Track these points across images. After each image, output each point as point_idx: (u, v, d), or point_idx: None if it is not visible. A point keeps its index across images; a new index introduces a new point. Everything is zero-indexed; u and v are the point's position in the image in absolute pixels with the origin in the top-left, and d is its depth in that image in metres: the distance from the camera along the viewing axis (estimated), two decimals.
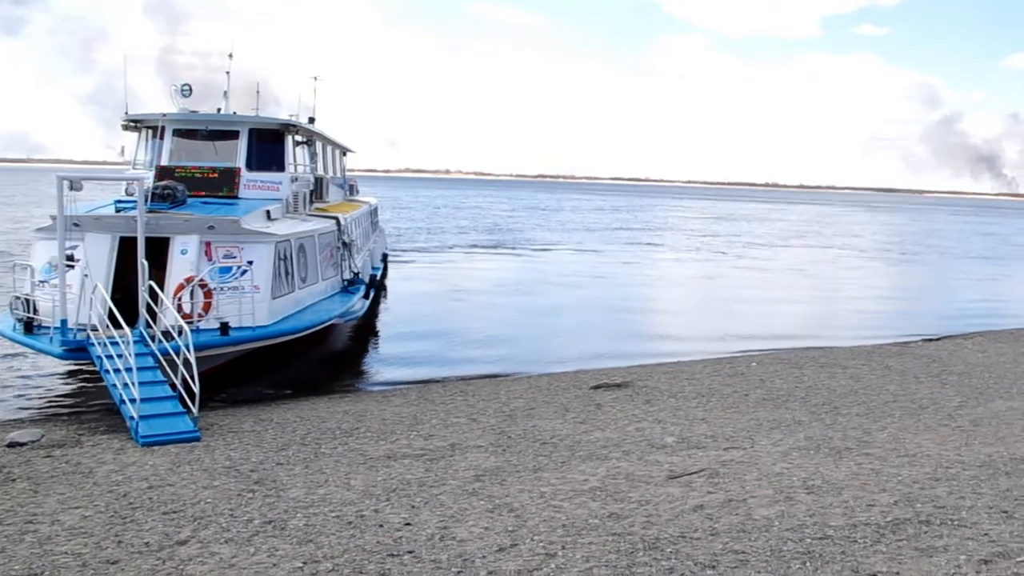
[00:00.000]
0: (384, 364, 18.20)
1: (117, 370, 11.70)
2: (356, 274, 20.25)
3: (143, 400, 11.15)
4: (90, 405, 13.60)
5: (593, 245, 52.87)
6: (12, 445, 10.50)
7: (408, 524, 7.49)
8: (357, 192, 31.20)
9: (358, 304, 18.93)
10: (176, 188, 15.52)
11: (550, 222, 76.59)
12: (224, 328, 13.70)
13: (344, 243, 19.91)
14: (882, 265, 48.35)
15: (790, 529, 7.05)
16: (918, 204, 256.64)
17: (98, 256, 14.29)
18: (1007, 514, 7.10)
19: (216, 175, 17.06)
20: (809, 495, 8.05)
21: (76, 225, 13.55)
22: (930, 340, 21.75)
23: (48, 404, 13.90)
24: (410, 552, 6.78)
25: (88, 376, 15.03)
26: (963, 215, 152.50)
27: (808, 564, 6.25)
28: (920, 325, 25.13)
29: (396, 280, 31.89)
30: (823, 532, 6.92)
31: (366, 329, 21.70)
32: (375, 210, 33.33)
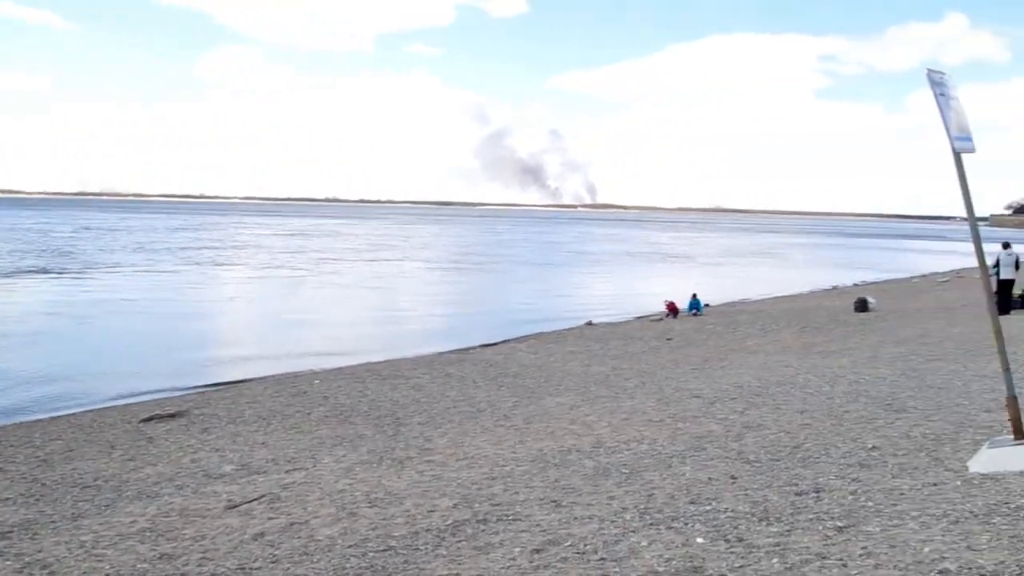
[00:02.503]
0: None
1: None
2: None
3: None
4: None
5: (163, 266, 50.30)
6: None
7: None
8: None
9: None
10: None
11: (114, 243, 71.46)
12: None
13: None
14: (448, 275, 51.24)
15: (353, 545, 7.11)
16: (477, 216, 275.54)
17: None
18: (556, 503, 7.72)
19: None
20: (372, 508, 8.20)
21: None
22: (488, 345, 23.35)
23: None
24: None
25: None
26: (523, 224, 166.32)
27: None
28: (480, 331, 26.85)
29: None
30: (386, 544, 7.06)
31: None
32: None
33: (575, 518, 7.11)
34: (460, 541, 6.95)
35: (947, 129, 7.46)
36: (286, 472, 10.17)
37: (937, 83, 7.60)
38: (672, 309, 29.02)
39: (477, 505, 7.95)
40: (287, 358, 21.58)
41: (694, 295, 30.05)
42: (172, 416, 14.17)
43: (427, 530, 7.32)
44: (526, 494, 8.19)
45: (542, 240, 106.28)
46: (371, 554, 6.84)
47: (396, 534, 7.30)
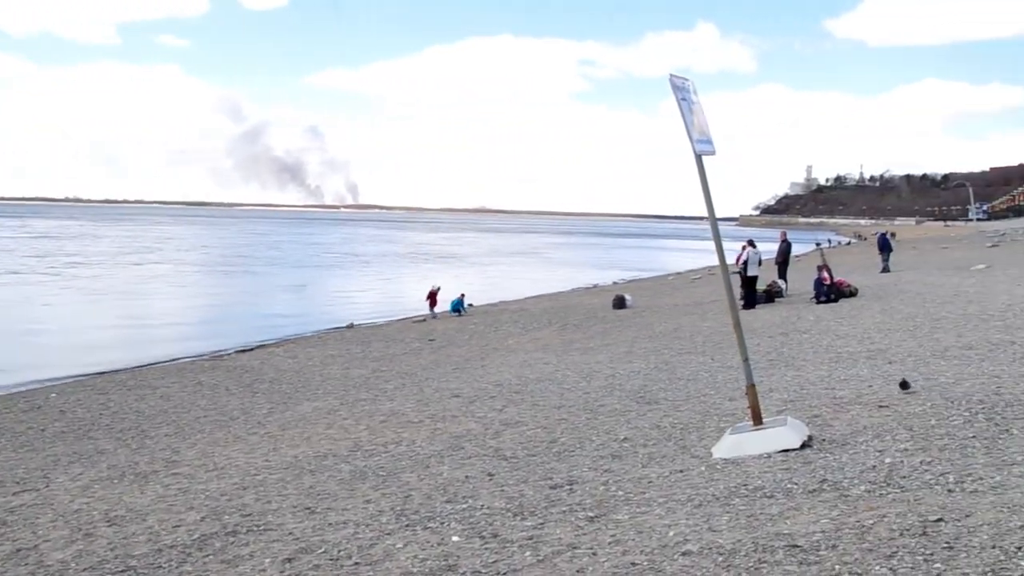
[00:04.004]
0: None
1: None
2: None
3: None
4: None
5: None
6: None
7: None
8: None
9: None
10: None
11: None
12: None
13: None
14: (207, 278, 49.47)
15: (89, 568, 6.72)
16: (235, 217, 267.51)
17: None
18: (310, 510, 7.60)
19: None
20: (111, 527, 7.78)
21: None
22: (244, 351, 22.72)
23: None
24: None
25: None
26: (286, 225, 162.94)
27: None
28: (237, 336, 26.07)
29: None
30: (126, 564, 6.72)
31: None
32: None
33: (329, 524, 7.03)
34: (207, 556, 6.72)
35: (688, 133, 7.90)
36: (13, 495, 9.50)
37: (679, 88, 8.04)
38: (432, 299, 29.31)
39: (226, 517, 7.71)
40: (21, 371, 20.14)
41: (461, 295, 30.46)
42: None
43: (171, 547, 7.03)
44: (279, 502, 8.03)
45: (307, 241, 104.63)
46: None
47: (137, 553, 6.97)
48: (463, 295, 30.53)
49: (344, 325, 28.31)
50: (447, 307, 29.69)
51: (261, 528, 7.24)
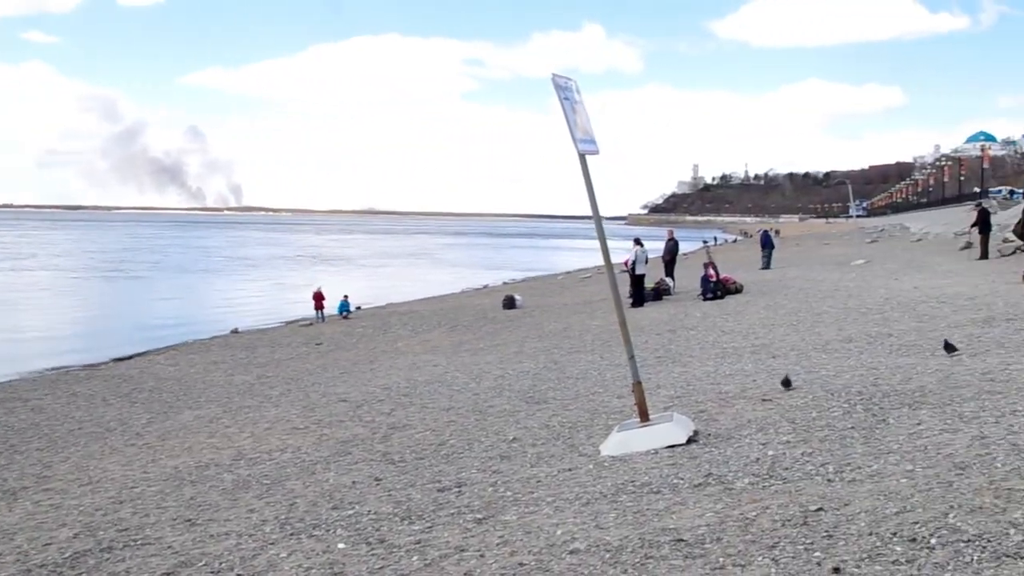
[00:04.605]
0: None
1: None
2: None
3: None
4: None
5: None
6: None
7: None
8: None
9: None
10: None
11: None
12: None
13: None
14: (87, 284, 47.89)
15: None
16: (115, 221, 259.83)
17: None
18: (191, 522, 7.40)
19: None
20: None
21: None
22: (122, 359, 22.03)
23: None
24: None
25: None
26: (170, 229, 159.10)
27: None
28: (116, 344, 25.22)
29: None
30: None
31: None
32: None
33: (211, 536, 6.86)
34: (80, 574, 6.48)
35: (571, 132, 7.96)
36: None
37: (562, 87, 8.09)
38: (318, 299, 28.96)
39: (101, 533, 7.46)
40: None
41: (345, 296, 30.14)
42: None
43: (41, 566, 6.75)
44: (157, 515, 7.80)
45: (192, 245, 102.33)
46: None
47: (3, 575, 6.68)
48: (346, 296, 30.25)
49: (229, 331, 27.71)
50: (335, 310, 29.37)
51: (138, 543, 7.02)
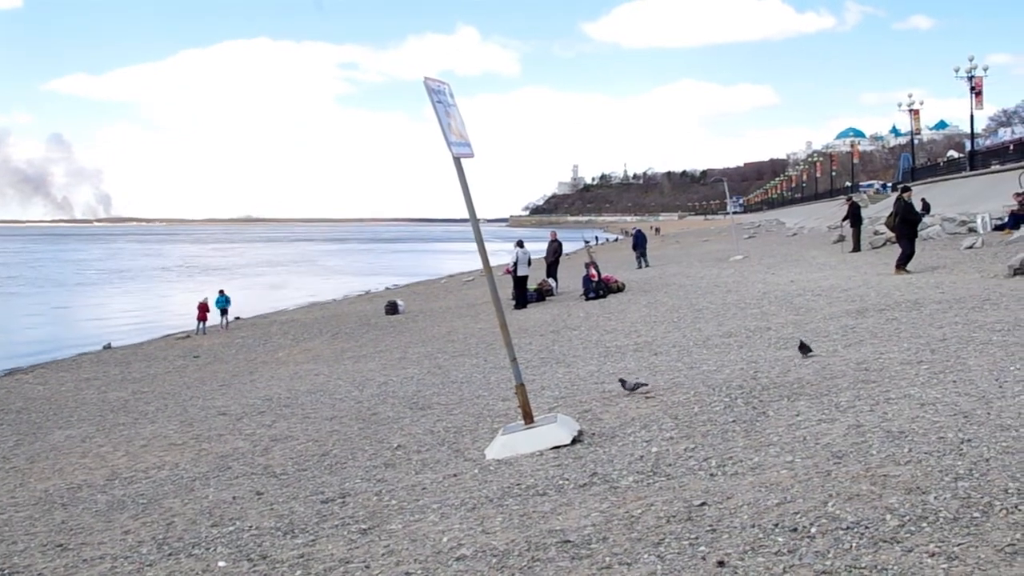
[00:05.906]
0: None
1: None
2: None
3: None
4: None
5: None
6: None
7: None
8: None
9: None
10: None
11: None
12: None
13: None
14: None
15: None
16: None
17: None
18: (62, 547, 7.10)
19: None
20: None
21: None
22: None
23: None
24: None
25: None
26: (39, 243, 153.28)
27: None
28: None
29: None
30: None
31: None
32: None
33: (84, 560, 6.60)
34: None
35: (445, 136, 7.94)
36: None
37: (435, 91, 8.06)
38: (202, 310, 28.37)
39: None
40: None
41: (220, 291, 29.77)
42: None
43: None
44: (26, 542, 7.46)
45: (66, 259, 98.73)
46: None
47: None
48: (222, 291, 29.90)
49: (101, 346, 26.82)
50: (217, 314, 28.90)
51: (6, 572, 6.70)
